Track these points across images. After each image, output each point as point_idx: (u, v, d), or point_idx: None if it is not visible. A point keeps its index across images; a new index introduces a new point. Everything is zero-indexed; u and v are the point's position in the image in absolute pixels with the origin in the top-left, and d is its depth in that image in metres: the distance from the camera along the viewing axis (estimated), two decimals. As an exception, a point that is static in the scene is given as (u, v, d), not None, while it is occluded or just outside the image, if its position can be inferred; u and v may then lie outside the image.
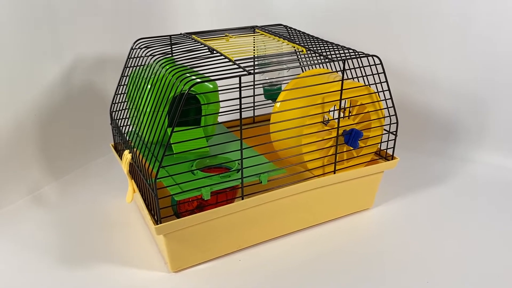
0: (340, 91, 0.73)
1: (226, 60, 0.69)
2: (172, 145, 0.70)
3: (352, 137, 0.76)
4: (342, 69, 0.73)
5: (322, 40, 0.85)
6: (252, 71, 0.65)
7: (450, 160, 1.05)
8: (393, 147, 0.83)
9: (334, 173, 0.78)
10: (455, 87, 1.05)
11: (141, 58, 0.77)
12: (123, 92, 0.85)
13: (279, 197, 0.72)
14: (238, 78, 0.64)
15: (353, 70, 0.90)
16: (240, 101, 0.64)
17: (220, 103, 0.78)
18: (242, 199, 0.69)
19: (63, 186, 0.97)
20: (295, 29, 0.93)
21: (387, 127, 0.90)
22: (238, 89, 0.64)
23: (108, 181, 0.99)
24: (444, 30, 1.01)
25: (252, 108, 0.97)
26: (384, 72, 0.77)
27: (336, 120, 0.77)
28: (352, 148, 0.80)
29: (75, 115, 1.03)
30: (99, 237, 0.80)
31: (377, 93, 0.79)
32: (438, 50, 1.03)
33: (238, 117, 0.80)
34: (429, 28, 1.02)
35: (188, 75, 0.66)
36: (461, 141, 1.07)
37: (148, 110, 0.72)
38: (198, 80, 0.64)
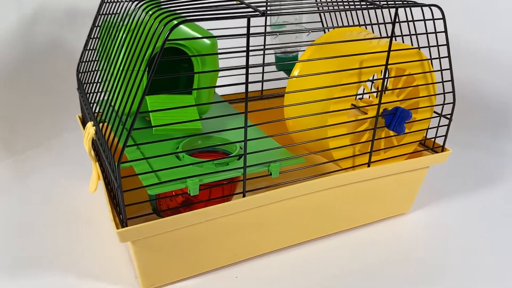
0: (387, 53, 0.55)
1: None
2: (150, 115, 0.54)
3: (397, 119, 0.58)
4: (392, 20, 0.54)
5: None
6: (265, 11, 0.46)
7: (505, 157, 0.91)
8: (445, 135, 0.67)
9: (369, 166, 0.62)
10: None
11: (119, 3, 0.62)
12: (93, 47, 0.69)
13: (293, 195, 0.59)
14: (246, 20, 0.46)
15: (397, 27, 0.71)
16: (247, 54, 0.46)
17: (219, 71, 0.62)
18: (244, 196, 0.56)
19: (20, 165, 0.86)
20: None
21: (438, 109, 0.72)
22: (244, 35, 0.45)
23: (77, 163, 0.87)
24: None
25: (261, 76, 0.80)
26: (445, 31, 0.58)
27: (375, 95, 0.59)
28: (393, 134, 0.63)
29: (38, 78, 0.94)
30: (56, 236, 0.67)
31: (429, 61, 0.61)
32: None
33: (238, 90, 0.63)
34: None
35: (173, 17, 0.48)
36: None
37: (120, 68, 0.56)
38: (182, 19, 0.46)
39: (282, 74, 0.82)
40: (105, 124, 0.57)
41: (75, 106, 0.90)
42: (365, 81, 0.58)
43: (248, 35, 0.45)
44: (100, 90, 0.64)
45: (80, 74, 0.71)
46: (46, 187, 0.79)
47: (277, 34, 0.78)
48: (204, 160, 0.57)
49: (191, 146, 0.64)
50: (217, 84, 0.66)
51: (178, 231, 0.53)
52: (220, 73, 0.67)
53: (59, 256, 0.63)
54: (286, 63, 0.79)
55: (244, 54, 0.47)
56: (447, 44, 0.59)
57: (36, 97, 0.94)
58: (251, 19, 0.46)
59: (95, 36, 0.69)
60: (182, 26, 0.59)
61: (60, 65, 0.96)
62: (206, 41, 0.61)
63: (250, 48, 0.46)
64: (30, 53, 0.91)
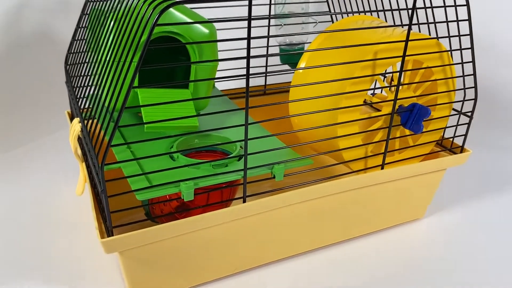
0: (405, 42, 0.50)
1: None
2: (142, 111, 0.50)
3: (414, 117, 0.53)
4: (410, 6, 0.48)
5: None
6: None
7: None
8: (465, 135, 0.61)
9: (382, 168, 0.57)
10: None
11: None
12: (82, 37, 0.65)
13: (299, 200, 0.55)
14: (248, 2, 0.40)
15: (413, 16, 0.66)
16: (249, 41, 0.40)
17: (218, 61, 0.57)
18: (244, 201, 0.52)
19: (6, 165, 0.82)
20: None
21: (457, 106, 0.67)
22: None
23: (68, 162, 0.83)
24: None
25: (264, 69, 0.74)
26: (469, 19, 0.52)
27: (389, 90, 0.55)
28: (409, 133, 0.59)
29: (27, 71, 0.92)
30: (41, 242, 0.63)
31: (449, 53, 0.56)
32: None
33: (239, 85, 0.58)
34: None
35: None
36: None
37: (108, 58, 0.52)
38: (173, 1, 0.40)
39: (287, 67, 0.77)
40: (93, 120, 0.52)
41: (65, 101, 0.86)
42: (379, 74, 0.53)
43: (249, 18, 0.40)
44: (88, 83, 0.60)
45: (68, 66, 0.66)
46: (32, 188, 0.75)
47: (282, 24, 0.73)
48: (200, 161, 0.53)
49: (187, 146, 0.60)
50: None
51: (171, 240, 0.48)
52: (219, 68, 0.62)
53: (44, 263, 0.59)
54: (291, 53, 0.75)
55: (245, 45, 0.41)
56: (471, 34, 0.54)
57: (25, 91, 0.91)
58: (254, 3, 0.41)
59: (84, 25, 0.65)
60: (176, 12, 0.54)
61: (51, 57, 0.92)
62: (204, 30, 0.56)
63: (252, 40, 0.41)
64: (18, 44, 0.88)
